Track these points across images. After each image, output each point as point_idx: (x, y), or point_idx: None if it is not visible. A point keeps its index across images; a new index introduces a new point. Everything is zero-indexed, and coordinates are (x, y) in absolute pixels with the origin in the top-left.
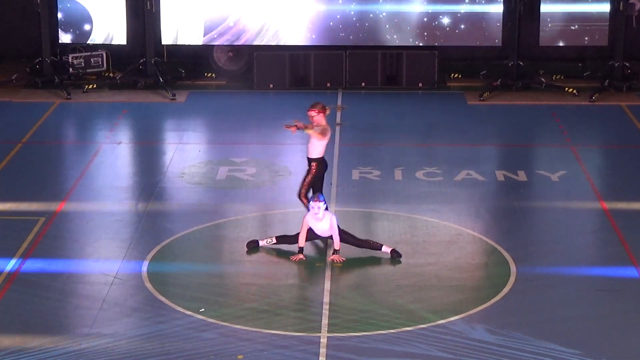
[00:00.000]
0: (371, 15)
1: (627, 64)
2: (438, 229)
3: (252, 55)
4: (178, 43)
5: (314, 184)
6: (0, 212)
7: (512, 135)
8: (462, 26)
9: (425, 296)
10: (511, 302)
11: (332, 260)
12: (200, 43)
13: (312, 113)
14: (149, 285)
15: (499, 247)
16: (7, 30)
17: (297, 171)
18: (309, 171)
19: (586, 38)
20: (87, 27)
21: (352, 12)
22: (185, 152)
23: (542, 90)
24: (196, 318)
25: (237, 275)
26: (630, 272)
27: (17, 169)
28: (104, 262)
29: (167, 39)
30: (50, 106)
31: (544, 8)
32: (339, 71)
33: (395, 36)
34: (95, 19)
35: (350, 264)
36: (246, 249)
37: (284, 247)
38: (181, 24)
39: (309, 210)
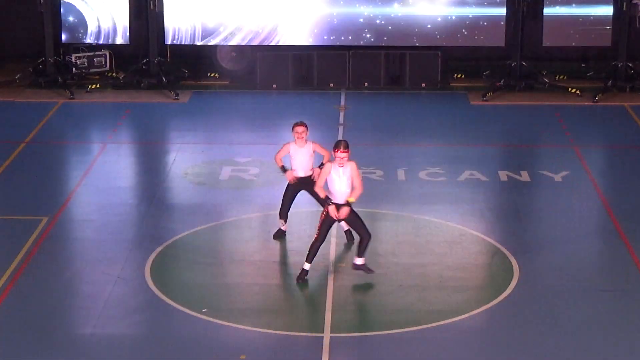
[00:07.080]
0: (374, 16)
1: (630, 65)
2: (441, 230)
3: (255, 55)
4: (181, 43)
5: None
6: (4, 212)
7: (515, 136)
8: (466, 27)
9: (428, 296)
10: (514, 302)
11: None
12: (203, 43)
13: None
14: (151, 285)
15: (502, 248)
16: (10, 30)
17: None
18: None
19: (589, 38)
20: (90, 27)
21: (355, 13)
22: (189, 152)
23: (545, 91)
24: (199, 318)
25: (240, 275)
26: (633, 272)
27: (20, 169)
28: (107, 262)
29: (170, 39)
30: (54, 106)
31: (547, 9)
32: (342, 71)
33: (398, 36)
34: (99, 19)
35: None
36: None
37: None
38: (184, 24)
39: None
